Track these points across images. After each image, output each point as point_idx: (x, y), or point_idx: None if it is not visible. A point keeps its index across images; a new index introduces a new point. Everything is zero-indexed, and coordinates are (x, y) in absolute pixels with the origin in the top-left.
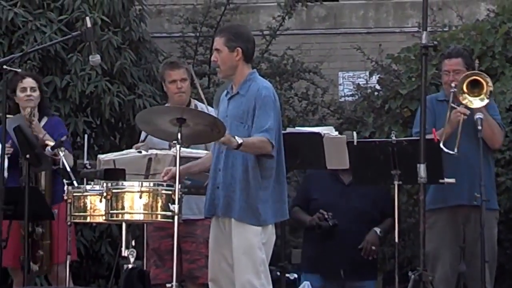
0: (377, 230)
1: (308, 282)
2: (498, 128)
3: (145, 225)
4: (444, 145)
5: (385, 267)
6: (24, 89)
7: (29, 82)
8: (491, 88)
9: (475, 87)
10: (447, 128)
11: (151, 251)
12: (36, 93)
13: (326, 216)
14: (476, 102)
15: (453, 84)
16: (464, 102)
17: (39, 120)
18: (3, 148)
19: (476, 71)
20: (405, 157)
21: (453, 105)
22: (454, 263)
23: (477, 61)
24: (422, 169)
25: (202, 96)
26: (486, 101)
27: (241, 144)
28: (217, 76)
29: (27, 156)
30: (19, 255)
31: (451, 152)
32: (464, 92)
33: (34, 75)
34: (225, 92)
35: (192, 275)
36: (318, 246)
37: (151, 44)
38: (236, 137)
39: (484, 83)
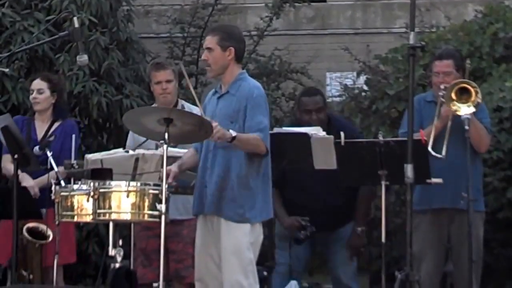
0: (358, 230)
1: (295, 282)
2: (485, 132)
3: (132, 224)
4: (431, 147)
5: (372, 267)
6: (32, 91)
7: (35, 84)
8: (479, 100)
9: (463, 94)
10: (437, 123)
11: (138, 250)
12: (44, 96)
13: (303, 223)
14: (464, 109)
15: (442, 86)
16: (453, 108)
17: (51, 123)
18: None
19: (465, 80)
20: (392, 157)
21: (443, 99)
22: (438, 263)
23: (468, 61)
24: (409, 169)
25: (194, 95)
26: (473, 109)
27: (235, 137)
28: (206, 76)
29: (15, 156)
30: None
31: (439, 155)
32: (452, 100)
33: (46, 75)
34: (212, 91)
35: (179, 275)
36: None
37: (138, 44)
38: (230, 130)
39: (473, 92)
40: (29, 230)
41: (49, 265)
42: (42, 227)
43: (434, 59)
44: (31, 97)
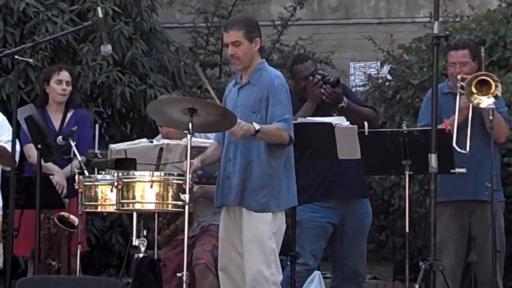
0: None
1: (319, 272)
2: (504, 122)
3: (156, 214)
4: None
5: (396, 257)
6: (59, 82)
7: (65, 75)
8: (499, 93)
9: (483, 85)
10: (458, 116)
11: (172, 271)
12: (70, 88)
13: (326, 74)
14: (486, 100)
15: (459, 77)
16: (475, 102)
17: (65, 113)
18: (14, 138)
19: (485, 73)
20: (416, 147)
21: (462, 91)
22: (460, 255)
23: (483, 51)
24: (433, 159)
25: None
26: (493, 100)
27: (258, 130)
28: (233, 68)
29: (39, 146)
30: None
31: (463, 151)
32: (473, 93)
33: (70, 68)
34: (232, 82)
35: (196, 257)
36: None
37: (162, 34)
38: (254, 123)
39: (493, 83)
40: (59, 219)
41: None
42: (71, 216)
43: (449, 49)
44: (60, 88)
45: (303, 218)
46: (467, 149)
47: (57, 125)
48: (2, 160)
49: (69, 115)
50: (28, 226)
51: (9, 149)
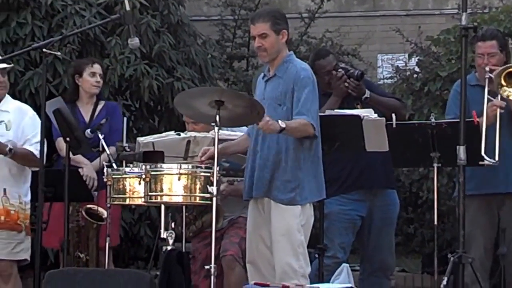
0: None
1: (347, 265)
2: None
3: (184, 207)
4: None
5: (424, 250)
6: (93, 74)
7: (98, 68)
8: None
9: (511, 77)
10: (485, 122)
11: (200, 263)
12: (102, 81)
13: (349, 68)
14: None
15: (487, 68)
16: (504, 95)
17: (96, 105)
18: (43, 132)
19: None
20: (445, 139)
21: (489, 97)
22: (489, 247)
23: (511, 42)
24: (461, 151)
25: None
26: None
27: (283, 128)
28: (260, 60)
29: (67, 139)
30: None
31: (492, 161)
32: (502, 86)
33: (100, 62)
34: (261, 75)
35: (223, 249)
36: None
37: (189, 27)
38: (279, 121)
39: None
40: (86, 212)
41: (101, 247)
42: (99, 208)
43: (477, 40)
44: (94, 80)
45: (332, 211)
46: (496, 158)
47: (87, 117)
48: (27, 164)
49: (99, 107)
50: (57, 219)
51: (35, 152)
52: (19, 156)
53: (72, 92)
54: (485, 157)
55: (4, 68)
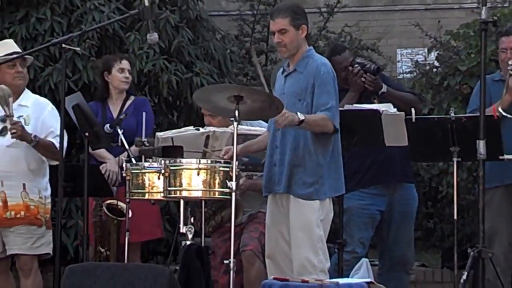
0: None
1: (366, 259)
2: None
3: (203, 202)
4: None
5: (444, 244)
6: (122, 70)
7: (126, 64)
8: None
9: None
10: (507, 96)
11: (220, 258)
12: (131, 77)
13: (366, 63)
14: None
15: (510, 62)
16: None
17: (125, 100)
18: (62, 126)
19: None
20: (464, 133)
21: (511, 71)
22: None
23: None
24: (481, 145)
25: (262, 78)
26: None
27: (302, 120)
28: (280, 55)
29: (86, 134)
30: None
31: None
32: None
33: (128, 58)
34: (281, 70)
35: (243, 244)
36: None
37: (208, 22)
38: (298, 114)
39: None
40: (108, 207)
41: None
42: (120, 204)
43: (501, 35)
44: (123, 76)
45: (351, 206)
46: None
47: (115, 113)
48: (49, 155)
49: (128, 102)
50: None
51: (56, 144)
52: (42, 146)
53: (103, 90)
54: (505, 155)
55: (24, 59)
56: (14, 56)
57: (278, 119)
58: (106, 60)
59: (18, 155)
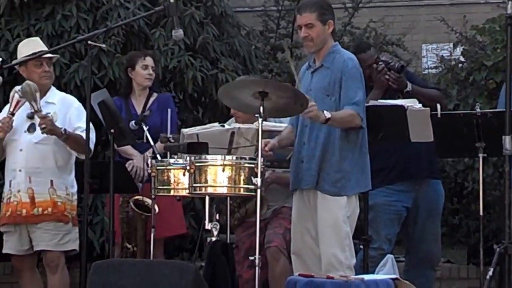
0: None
1: (391, 256)
2: None
3: (228, 198)
4: None
5: (470, 240)
6: (146, 67)
7: (150, 61)
8: None
9: None
10: None
11: (244, 253)
12: (154, 73)
13: (390, 61)
14: None
15: None
16: None
17: (149, 96)
18: (88, 123)
19: None
20: (490, 129)
21: None
22: None
23: None
24: (507, 141)
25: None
26: None
27: (329, 118)
28: (306, 50)
29: (112, 130)
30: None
31: None
32: None
33: (153, 54)
34: (305, 66)
35: (268, 240)
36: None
37: (233, 18)
38: (324, 112)
39: None
40: (134, 203)
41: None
42: (146, 200)
43: None
44: (146, 72)
45: (377, 202)
46: None
47: (139, 110)
48: (78, 149)
49: (151, 99)
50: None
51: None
52: (72, 140)
53: (126, 85)
54: None
55: (50, 58)
56: (38, 55)
57: (307, 112)
58: (130, 57)
59: (46, 151)
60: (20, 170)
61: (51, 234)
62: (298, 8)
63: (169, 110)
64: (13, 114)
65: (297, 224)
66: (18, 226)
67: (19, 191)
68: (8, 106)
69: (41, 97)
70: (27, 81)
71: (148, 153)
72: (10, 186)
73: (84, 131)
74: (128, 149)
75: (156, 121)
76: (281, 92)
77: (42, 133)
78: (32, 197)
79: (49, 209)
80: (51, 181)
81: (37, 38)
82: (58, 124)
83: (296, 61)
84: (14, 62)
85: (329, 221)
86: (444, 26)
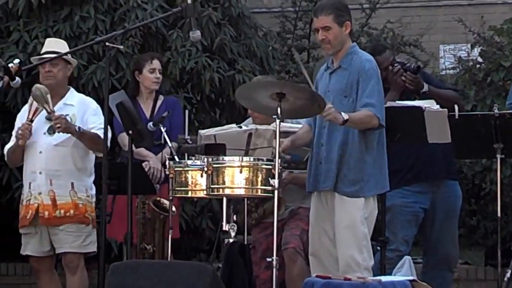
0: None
1: (409, 257)
2: None
3: (245, 199)
4: None
5: (487, 242)
6: (153, 70)
7: (157, 64)
8: None
9: None
10: None
11: (261, 254)
12: (161, 76)
13: (406, 62)
14: None
15: None
16: None
17: (155, 100)
18: (106, 124)
19: None
20: (508, 130)
21: None
22: None
23: None
24: None
25: (306, 76)
26: None
27: (347, 120)
28: (324, 52)
29: (130, 132)
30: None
31: None
32: None
33: (160, 56)
34: (324, 67)
35: (285, 241)
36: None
37: (250, 19)
38: (342, 113)
39: None
40: (154, 204)
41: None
42: (163, 201)
43: None
44: (153, 76)
45: (394, 204)
46: None
47: (147, 113)
48: (94, 147)
49: (159, 102)
50: (122, 212)
51: (101, 135)
52: (87, 137)
53: (133, 88)
54: None
55: (52, 59)
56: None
57: (324, 113)
58: (137, 60)
59: (65, 154)
60: (40, 173)
61: (74, 236)
62: (315, 11)
63: (186, 111)
64: (31, 121)
65: (315, 225)
66: (39, 227)
67: (40, 193)
68: (26, 107)
69: (59, 99)
70: (36, 85)
71: (166, 154)
72: (29, 188)
73: (99, 129)
74: (142, 151)
75: (166, 124)
76: (299, 94)
77: (58, 132)
78: (53, 199)
79: (71, 211)
80: (72, 183)
81: (51, 39)
82: (76, 124)
83: (313, 62)
84: (32, 63)
85: (346, 222)
86: (461, 27)
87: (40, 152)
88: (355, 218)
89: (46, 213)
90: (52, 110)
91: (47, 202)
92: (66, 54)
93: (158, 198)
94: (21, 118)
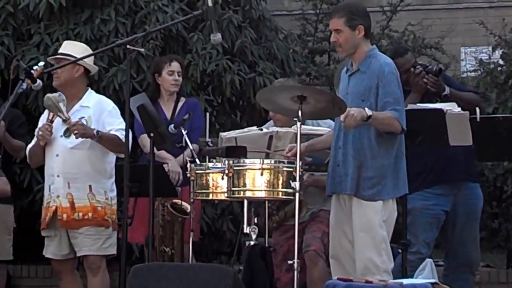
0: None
1: (430, 260)
2: None
3: (266, 202)
4: None
5: (509, 245)
6: (172, 73)
7: (176, 66)
8: None
9: None
10: None
11: (282, 257)
12: (181, 78)
13: (427, 64)
14: None
15: None
16: None
17: (176, 102)
18: (127, 127)
19: None
20: None
21: None
22: None
23: None
24: None
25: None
26: None
27: (370, 116)
28: (339, 54)
29: (151, 134)
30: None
31: None
32: None
33: (180, 59)
34: (344, 69)
35: (306, 244)
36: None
37: (271, 22)
38: (366, 109)
39: None
40: (172, 206)
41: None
42: (183, 203)
43: None
44: (172, 78)
45: (415, 206)
46: None
47: (168, 114)
48: (114, 148)
49: (180, 104)
50: (142, 214)
51: (120, 136)
52: (106, 140)
53: (153, 90)
54: None
55: (58, 60)
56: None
57: (346, 122)
58: (157, 62)
59: (81, 157)
60: (58, 176)
61: (93, 239)
62: (330, 13)
63: (207, 114)
64: (52, 121)
65: (335, 228)
66: (58, 230)
67: (58, 196)
68: (47, 110)
69: (77, 101)
70: (48, 95)
71: (187, 156)
72: (49, 191)
73: (118, 130)
74: (161, 153)
75: (186, 126)
76: (319, 97)
77: (76, 137)
78: (72, 202)
79: (90, 214)
80: (90, 186)
81: (74, 42)
82: (92, 126)
83: (334, 64)
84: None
85: (363, 225)
86: (483, 29)
87: (57, 155)
88: (373, 221)
89: (65, 215)
90: (67, 117)
91: (65, 205)
92: (92, 55)
93: (175, 201)
94: (43, 120)
